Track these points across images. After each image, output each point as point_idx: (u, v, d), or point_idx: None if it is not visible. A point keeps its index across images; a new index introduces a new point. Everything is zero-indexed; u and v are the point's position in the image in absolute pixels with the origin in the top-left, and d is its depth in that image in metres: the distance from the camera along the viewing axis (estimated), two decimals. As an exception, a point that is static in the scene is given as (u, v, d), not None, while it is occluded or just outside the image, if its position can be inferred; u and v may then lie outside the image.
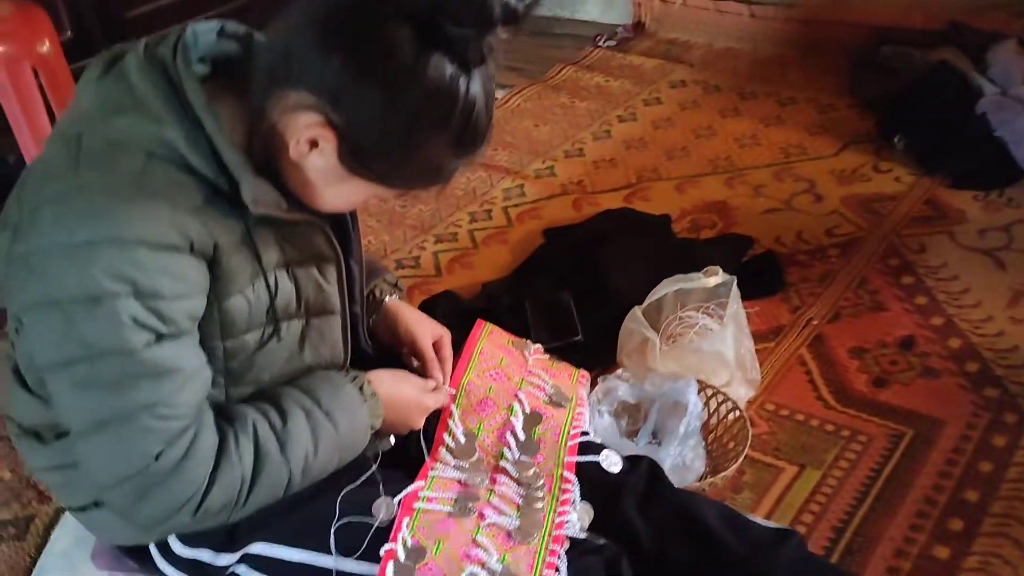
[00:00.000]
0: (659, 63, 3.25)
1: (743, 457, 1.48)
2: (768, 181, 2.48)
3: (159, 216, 0.98)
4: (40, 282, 0.98)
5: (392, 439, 1.32)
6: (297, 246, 1.13)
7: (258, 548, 1.19)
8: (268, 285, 1.10)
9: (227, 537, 1.20)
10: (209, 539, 1.21)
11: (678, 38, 3.44)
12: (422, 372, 1.35)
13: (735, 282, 1.67)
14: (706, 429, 1.60)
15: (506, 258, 2.21)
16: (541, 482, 1.26)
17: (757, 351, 1.72)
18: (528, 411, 1.36)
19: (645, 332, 1.64)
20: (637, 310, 1.65)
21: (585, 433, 1.36)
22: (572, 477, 1.27)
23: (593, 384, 1.56)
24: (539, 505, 1.23)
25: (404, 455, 1.31)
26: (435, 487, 1.23)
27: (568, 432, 1.34)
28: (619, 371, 1.59)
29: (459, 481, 1.25)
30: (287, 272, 1.13)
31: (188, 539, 1.22)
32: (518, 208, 2.43)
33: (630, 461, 1.33)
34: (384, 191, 1.09)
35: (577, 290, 1.94)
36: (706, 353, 1.61)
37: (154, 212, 0.97)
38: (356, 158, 1.02)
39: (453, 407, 1.34)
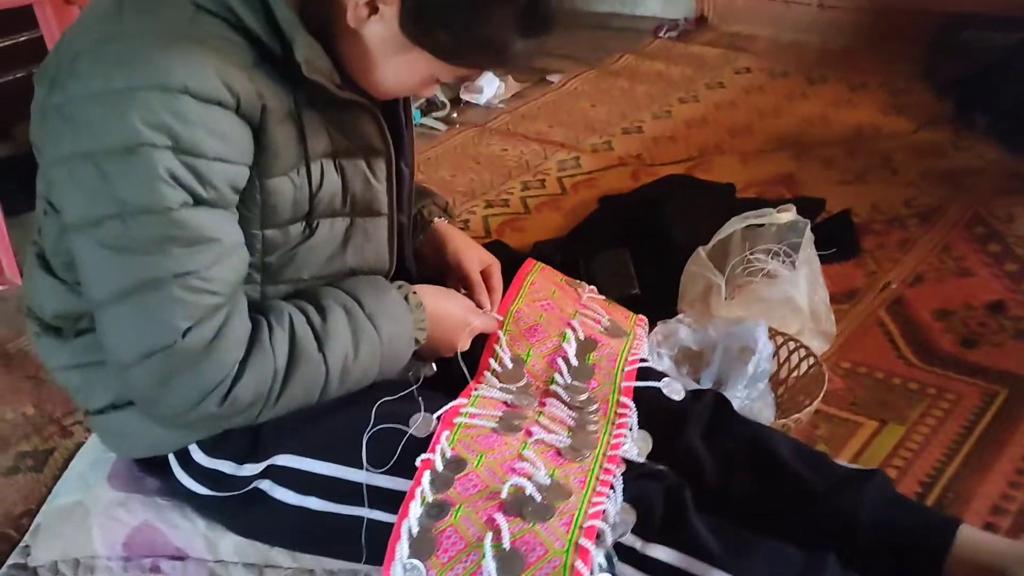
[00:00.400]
0: (722, 52, 3.15)
1: (819, 399, 1.33)
2: (839, 157, 2.34)
3: (205, 65, 0.91)
4: (74, 133, 0.92)
5: (433, 367, 1.22)
6: (346, 134, 1.06)
7: (283, 460, 1.09)
8: (313, 174, 1.04)
9: (250, 447, 1.11)
10: (231, 449, 1.12)
11: (742, 31, 3.34)
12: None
13: (808, 226, 1.53)
14: (775, 381, 1.46)
15: (559, 223, 2.10)
16: (595, 406, 1.14)
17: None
18: (582, 338, 1.24)
19: (709, 276, 1.51)
20: (701, 251, 1.52)
21: (644, 360, 1.24)
22: (629, 403, 1.15)
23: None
24: (592, 428, 1.10)
25: (446, 381, 1.20)
26: (479, 405, 1.11)
27: (626, 358, 1.22)
28: (680, 315, 1.46)
29: (505, 403, 1.13)
30: (334, 163, 1.06)
31: (210, 448, 1.13)
32: (573, 178, 2.33)
33: (694, 393, 1.21)
34: (443, 69, 1.02)
35: (635, 247, 1.82)
36: (776, 299, 1.47)
37: (200, 60, 0.91)
38: (418, 25, 0.96)
39: (500, 333, 1.23)
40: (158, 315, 0.93)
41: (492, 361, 1.21)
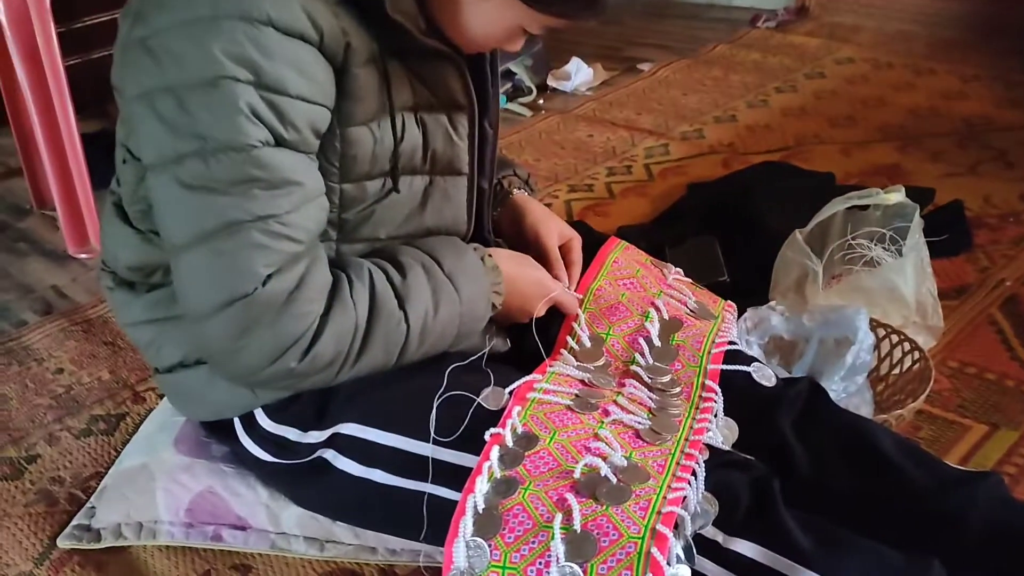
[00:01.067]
0: (823, 42, 3.02)
1: (924, 397, 1.22)
2: (949, 149, 2.19)
3: None
4: (156, 65, 0.89)
5: (508, 341, 1.16)
6: (429, 86, 1.03)
7: (348, 428, 1.05)
8: (395, 127, 1.00)
9: (316, 414, 1.08)
10: (297, 415, 1.09)
11: (844, 21, 3.19)
12: None
13: (918, 210, 1.42)
14: (874, 378, 1.35)
15: (644, 209, 2.02)
16: (678, 389, 1.06)
17: (937, 307, 1.46)
18: (666, 317, 1.16)
19: (806, 262, 1.40)
20: (798, 234, 1.41)
21: (733, 343, 1.15)
22: (715, 387, 1.07)
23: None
24: (674, 411, 1.03)
25: (518, 357, 1.15)
26: (553, 381, 1.05)
27: (713, 340, 1.14)
28: (773, 302, 1.36)
29: (582, 381, 1.07)
30: (415, 117, 1.03)
31: (275, 413, 1.10)
32: (661, 165, 2.24)
33: (786, 380, 1.12)
34: (532, 18, 0.97)
35: (724, 234, 1.72)
36: (879, 288, 1.36)
37: None
38: None
39: (579, 311, 1.17)
40: (237, 261, 0.89)
41: (569, 339, 1.14)
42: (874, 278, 1.38)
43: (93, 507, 1.23)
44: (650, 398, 1.04)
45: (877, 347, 1.34)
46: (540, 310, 1.13)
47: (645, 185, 2.14)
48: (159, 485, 1.20)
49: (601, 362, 1.11)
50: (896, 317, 1.39)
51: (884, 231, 1.38)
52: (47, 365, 1.55)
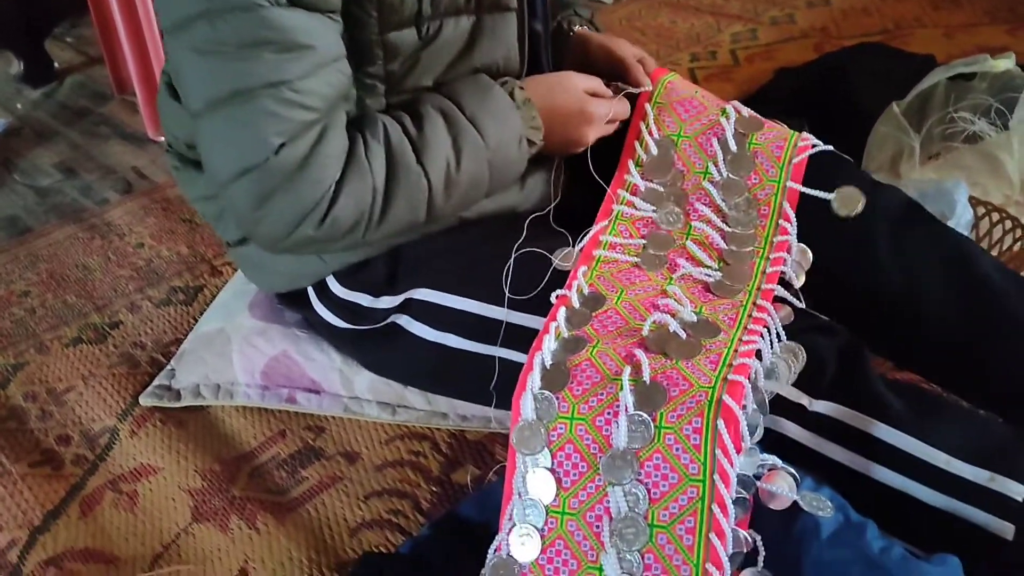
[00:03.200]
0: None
1: None
2: (1065, 31, 2.03)
3: None
4: None
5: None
6: None
7: (421, 294, 1.04)
8: None
9: (388, 279, 1.07)
10: (368, 281, 1.08)
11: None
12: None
13: (1028, 81, 1.31)
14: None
15: (730, 94, 1.92)
16: (753, 214, 0.99)
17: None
18: (746, 115, 1.06)
19: (902, 137, 1.32)
20: (895, 106, 1.33)
21: (816, 145, 1.04)
22: (791, 214, 0.98)
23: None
24: (747, 250, 0.96)
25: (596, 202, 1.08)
26: (619, 230, 1.00)
27: (795, 145, 1.03)
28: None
29: (648, 220, 1.01)
30: None
31: (347, 280, 1.10)
32: (748, 50, 2.13)
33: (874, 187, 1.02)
34: None
35: (814, 117, 1.63)
36: (981, 163, 1.27)
37: None
38: None
39: (648, 107, 1.07)
40: (250, 129, 0.86)
41: (637, 145, 1.06)
42: (976, 153, 1.29)
43: (173, 369, 1.25)
44: (720, 235, 0.98)
45: (976, 225, 1.25)
46: (593, 134, 1.03)
47: (731, 70, 2.04)
48: (235, 348, 1.22)
49: (670, 177, 1.03)
50: (997, 195, 1.30)
51: (991, 101, 1.28)
52: (128, 240, 1.58)
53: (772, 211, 0.98)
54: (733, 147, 1.03)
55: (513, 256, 0.98)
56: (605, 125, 1.05)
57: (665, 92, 1.08)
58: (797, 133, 1.05)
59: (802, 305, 0.93)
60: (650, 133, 1.06)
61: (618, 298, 0.93)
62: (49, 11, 2.23)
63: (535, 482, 0.83)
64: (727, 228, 0.98)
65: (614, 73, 1.10)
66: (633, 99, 1.09)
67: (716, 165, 1.02)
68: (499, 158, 0.97)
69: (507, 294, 0.98)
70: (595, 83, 1.05)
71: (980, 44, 2.00)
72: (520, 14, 1.02)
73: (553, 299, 0.94)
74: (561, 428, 0.83)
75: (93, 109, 2.06)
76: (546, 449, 0.83)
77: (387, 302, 1.07)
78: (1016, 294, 0.91)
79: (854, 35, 2.12)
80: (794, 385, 0.88)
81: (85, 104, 2.09)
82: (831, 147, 1.04)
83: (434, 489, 1.08)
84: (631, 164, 1.05)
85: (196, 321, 1.35)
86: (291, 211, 0.90)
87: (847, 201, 0.97)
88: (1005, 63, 1.26)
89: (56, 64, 2.22)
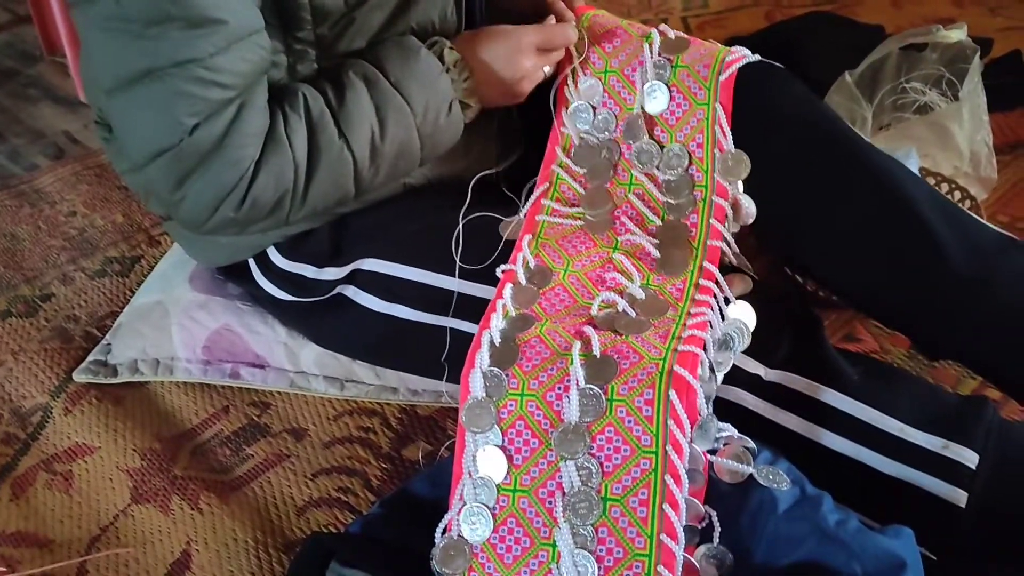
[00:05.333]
0: None
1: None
2: (1011, 3, 2.04)
3: None
4: None
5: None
6: None
7: (370, 264, 1.01)
8: None
9: (332, 250, 1.03)
10: (310, 251, 1.04)
11: None
12: None
13: (979, 52, 1.31)
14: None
15: (681, 62, 1.91)
16: (684, 160, 0.95)
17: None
18: (672, 36, 1.01)
19: (854, 106, 1.32)
20: (848, 76, 1.32)
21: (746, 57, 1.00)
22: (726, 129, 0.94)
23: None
24: (684, 201, 0.94)
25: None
26: (560, 191, 0.98)
27: (723, 60, 0.98)
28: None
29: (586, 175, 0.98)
30: None
31: (288, 251, 1.06)
32: (699, 18, 2.11)
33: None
34: None
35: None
36: (931, 133, 1.27)
37: None
38: None
39: (573, 49, 1.01)
40: (161, 109, 0.82)
41: (567, 92, 1.01)
42: (926, 124, 1.29)
43: (109, 343, 1.20)
44: (659, 188, 0.95)
45: (926, 196, 1.26)
46: (524, 85, 0.98)
47: (681, 38, 2.03)
48: (174, 322, 1.17)
49: (602, 117, 0.99)
50: (947, 167, 1.31)
51: (941, 72, 1.28)
52: (60, 208, 1.51)
53: (706, 154, 0.94)
54: (651, 76, 0.98)
55: (461, 224, 0.95)
56: (544, 70, 1.00)
57: (589, 27, 1.03)
58: (726, 48, 1.00)
59: (753, 276, 0.92)
60: (575, 78, 1.01)
61: (564, 271, 0.91)
62: (-28, -34, 2.12)
63: (485, 461, 0.81)
64: (662, 176, 0.96)
65: (538, 10, 1.04)
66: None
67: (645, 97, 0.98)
68: (428, 124, 0.93)
69: (458, 263, 0.96)
70: (531, 33, 0.98)
71: (927, 15, 2.01)
72: None
73: (499, 274, 0.92)
74: (511, 405, 0.81)
75: (21, 70, 1.97)
76: (496, 427, 0.81)
77: (332, 273, 1.04)
78: (947, 234, 0.90)
79: (804, 4, 2.11)
80: (749, 354, 0.87)
81: (12, 65, 1.99)
82: (758, 56, 1.00)
83: (384, 466, 1.05)
84: (564, 114, 1.01)
85: (133, 293, 1.30)
86: (209, 193, 0.86)
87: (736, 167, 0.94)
88: (957, 34, 1.26)
89: (-19, 22, 2.11)
